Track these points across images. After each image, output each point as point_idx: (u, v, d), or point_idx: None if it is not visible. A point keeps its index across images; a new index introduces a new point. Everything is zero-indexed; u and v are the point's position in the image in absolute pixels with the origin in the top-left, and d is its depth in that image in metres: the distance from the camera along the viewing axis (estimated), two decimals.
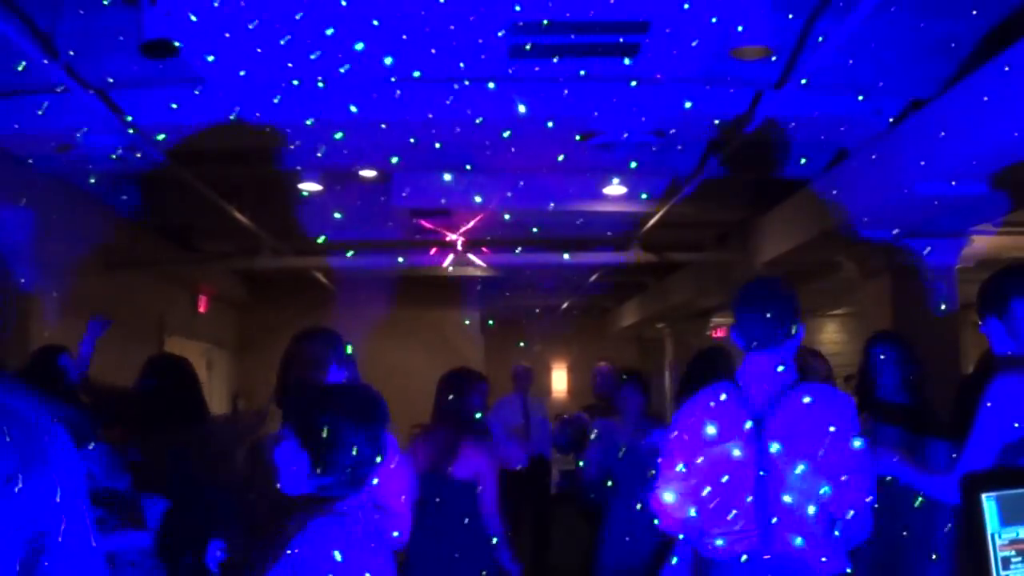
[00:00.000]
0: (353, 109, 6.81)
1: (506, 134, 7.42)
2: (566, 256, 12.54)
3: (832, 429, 4.26)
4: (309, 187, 9.70)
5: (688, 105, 6.87)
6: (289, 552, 3.05)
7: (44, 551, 2.38)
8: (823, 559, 4.26)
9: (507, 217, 10.15)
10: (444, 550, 6.50)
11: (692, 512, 4.39)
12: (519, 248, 12.18)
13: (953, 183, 7.19)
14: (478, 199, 9.64)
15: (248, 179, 9.54)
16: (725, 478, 4.32)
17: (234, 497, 4.28)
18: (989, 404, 4.24)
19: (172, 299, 13.92)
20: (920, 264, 9.08)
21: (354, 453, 3.19)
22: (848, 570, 4.32)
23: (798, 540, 4.23)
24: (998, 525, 2.59)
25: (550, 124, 7.17)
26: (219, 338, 16.14)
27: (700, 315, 17.79)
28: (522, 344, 16.44)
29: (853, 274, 10.69)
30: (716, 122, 7.39)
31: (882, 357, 6.35)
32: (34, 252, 7.80)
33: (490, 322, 17.73)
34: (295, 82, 6.52)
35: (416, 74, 6.31)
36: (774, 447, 4.26)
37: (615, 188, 10.09)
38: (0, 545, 2.17)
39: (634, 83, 6.66)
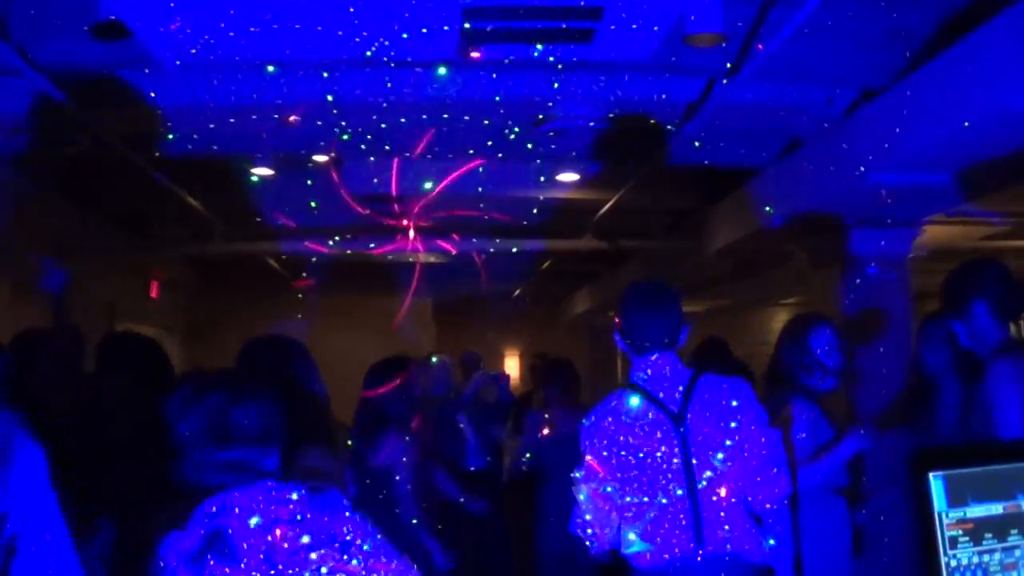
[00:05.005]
0: (305, 94, 6.77)
1: (459, 119, 7.42)
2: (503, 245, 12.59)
3: (741, 417, 4.29)
4: (261, 172, 9.62)
5: (641, 92, 6.90)
6: None
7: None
8: (751, 554, 4.26)
9: (460, 203, 10.13)
10: None
11: (634, 539, 4.31)
12: (471, 235, 12.17)
13: (905, 173, 7.22)
14: (430, 185, 9.61)
15: (199, 164, 9.45)
16: (657, 493, 4.27)
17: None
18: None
19: (123, 284, 13.78)
20: (871, 254, 9.10)
21: None
22: (770, 565, 4.32)
23: (727, 536, 4.23)
24: (945, 504, 2.58)
25: (502, 111, 7.16)
26: (170, 323, 16.02)
27: None
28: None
29: (804, 264, 10.72)
30: (669, 109, 7.39)
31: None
32: None
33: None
34: (247, 66, 6.47)
35: (368, 57, 6.27)
36: (694, 442, 4.26)
37: (567, 175, 10.07)
38: None
39: (587, 69, 6.65)
